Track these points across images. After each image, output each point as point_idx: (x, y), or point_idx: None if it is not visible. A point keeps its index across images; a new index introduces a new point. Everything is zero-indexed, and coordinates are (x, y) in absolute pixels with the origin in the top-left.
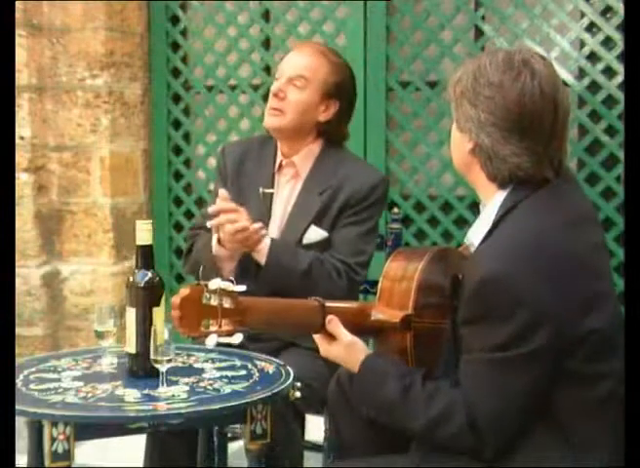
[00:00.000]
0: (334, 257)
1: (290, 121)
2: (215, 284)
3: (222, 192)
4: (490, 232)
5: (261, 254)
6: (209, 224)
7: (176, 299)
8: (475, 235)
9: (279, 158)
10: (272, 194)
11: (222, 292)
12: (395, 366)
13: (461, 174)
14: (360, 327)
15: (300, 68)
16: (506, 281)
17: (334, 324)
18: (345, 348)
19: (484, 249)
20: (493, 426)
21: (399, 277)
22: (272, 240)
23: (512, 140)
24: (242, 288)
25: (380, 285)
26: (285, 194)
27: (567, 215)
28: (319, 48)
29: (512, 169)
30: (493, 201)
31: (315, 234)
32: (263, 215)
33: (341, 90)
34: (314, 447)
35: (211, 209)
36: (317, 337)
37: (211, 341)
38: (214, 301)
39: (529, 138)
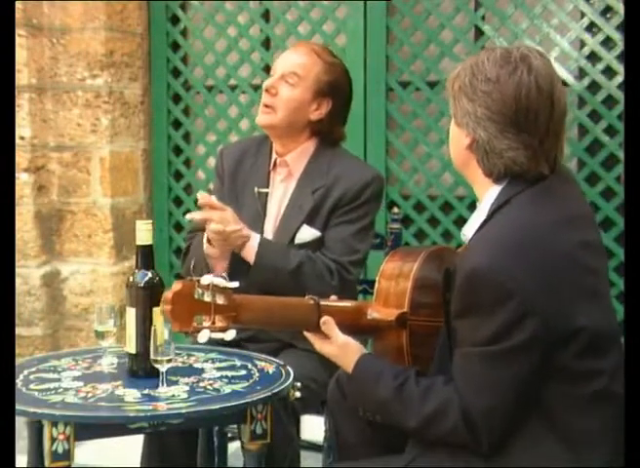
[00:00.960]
0: (326, 256)
1: (281, 118)
2: (207, 279)
3: (202, 194)
4: (481, 227)
5: (250, 255)
6: (187, 216)
7: (168, 294)
8: (469, 229)
9: (274, 157)
10: (267, 193)
11: (215, 288)
12: (389, 365)
13: (459, 170)
14: (356, 325)
15: (292, 66)
16: (493, 274)
17: (329, 325)
18: (339, 348)
19: (473, 243)
20: (485, 420)
21: (395, 276)
22: (261, 239)
23: (508, 135)
24: (235, 284)
25: (376, 284)
26: (279, 193)
27: (559, 213)
28: (313, 47)
29: (508, 163)
30: (487, 196)
31: (308, 233)
32: (259, 215)
33: (335, 89)
34: (313, 446)
35: (200, 200)
36: (308, 335)
37: (203, 337)
38: (206, 297)
39: (525, 133)
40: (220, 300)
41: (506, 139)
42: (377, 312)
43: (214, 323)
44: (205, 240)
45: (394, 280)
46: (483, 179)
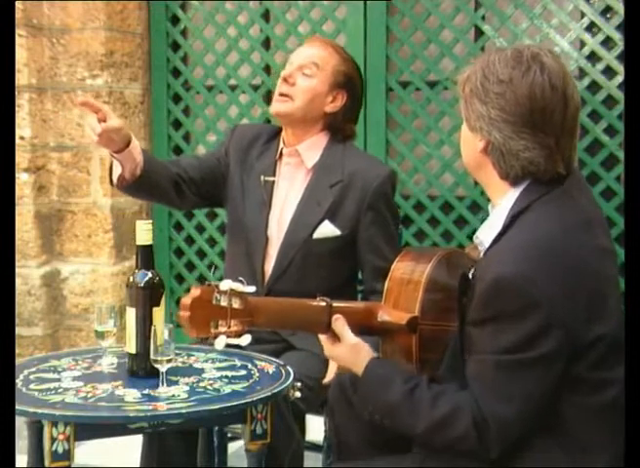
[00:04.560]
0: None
1: (297, 107)
2: (226, 285)
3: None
4: (502, 233)
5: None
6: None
7: (186, 300)
8: (486, 235)
9: (280, 146)
10: (273, 182)
11: (233, 293)
12: (400, 369)
13: (473, 174)
14: (366, 327)
15: (311, 56)
16: (519, 283)
17: (339, 323)
18: (350, 350)
19: (497, 250)
20: (501, 428)
21: (406, 279)
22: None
23: (524, 135)
24: (252, 288)
25: (386, 285)
26: (286, 183)
27: (578, 218)
28: (329, 41)
29: (525, 164)
30: (504, 201)
31: (328, 229)
32: (264, 203)
33: (350, 82)
34: (314, 447)
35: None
36: (322, 337)
37: (220, 344)
38: (223, 302)
39: (540, 132)
40: (237, 304)
41: (522, 140)
42: (387, 315)
43: (229, 327)
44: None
45: (405, 282)
46: (499, 182)
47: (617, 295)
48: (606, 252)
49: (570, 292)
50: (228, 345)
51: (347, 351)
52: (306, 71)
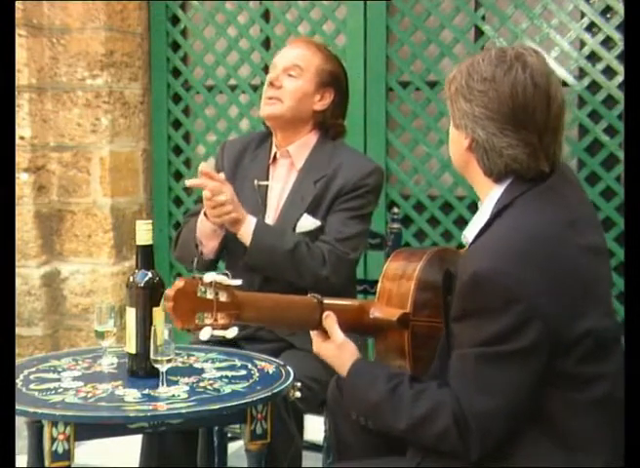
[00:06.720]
0: (320, 240)
1: (287, 109)
2: (210, 277)
3: (204, 164)
4: (484, 228)
5: (246, 236)
6: (186, 183)
7: (170, 291)
8: (471, 232)
9: (274, 150)
10: (267, 186)
11: (218, 286)
12: (383, 369)
13: (460, 171)
14: (358, 324)
15: (294, 58)
16: (498, 277)
17: (330, 320)
18: (337, 348)
19: (477, 245)
20: (478, 423)
21: (398, 277)
22: (258, 222)
23: (507, 133)
24: (238, 282)
25: (379, 284)
26: (279, 186)
27: (563, 215)
28: (311, 41)
29: (508, 162)
30: (489, 197)
31: (308, 222)
32: (259, 207)
33: (336, 79)
34: (314, 446)
35: (200, 168)
36: (312, 333)
37: (205, 334)
38: (209, 294)
39: (523, 130)
40: (223, 298)
41: (506, 137)
42: (379, 311)
43: (216, 320)
44: (201, 215)
45: (397, 280)
46: (484, 180)
47: (606, 293)
48: (596, 250)
49: (550, 286)
50: (227, 345)
51: (335, 349)
52: (292, 73)
